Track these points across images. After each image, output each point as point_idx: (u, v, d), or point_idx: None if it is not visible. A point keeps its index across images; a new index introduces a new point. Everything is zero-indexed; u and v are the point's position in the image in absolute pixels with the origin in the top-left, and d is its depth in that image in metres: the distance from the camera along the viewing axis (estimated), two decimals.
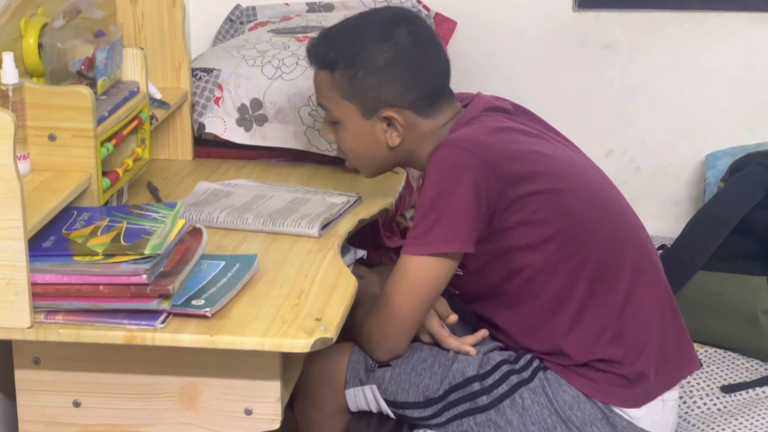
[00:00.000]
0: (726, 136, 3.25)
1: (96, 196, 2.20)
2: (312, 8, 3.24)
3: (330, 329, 1.96)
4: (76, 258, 1.96)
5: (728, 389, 2.58)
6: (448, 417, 2.25)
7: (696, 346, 2.45)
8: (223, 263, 2.12)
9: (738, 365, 2.69)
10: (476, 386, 2.22)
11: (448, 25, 3.17)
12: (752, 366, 2.68)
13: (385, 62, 2.26)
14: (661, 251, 2.76)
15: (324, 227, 2.38)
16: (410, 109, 2.28)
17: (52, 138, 2.16)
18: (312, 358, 2.26)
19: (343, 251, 2.38)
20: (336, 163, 2.76)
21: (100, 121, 2.22)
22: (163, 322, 1.96)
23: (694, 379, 2.60)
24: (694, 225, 2.84)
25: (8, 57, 2.10)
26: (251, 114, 2.77)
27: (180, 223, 2.08)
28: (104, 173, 2.25)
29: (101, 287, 1.95)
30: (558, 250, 2.19)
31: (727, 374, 2.65)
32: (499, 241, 2.18)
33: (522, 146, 2.23)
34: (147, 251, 1.95)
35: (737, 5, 3.20)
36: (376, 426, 2.31)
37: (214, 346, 1.94)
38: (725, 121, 3.28)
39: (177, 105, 2.75)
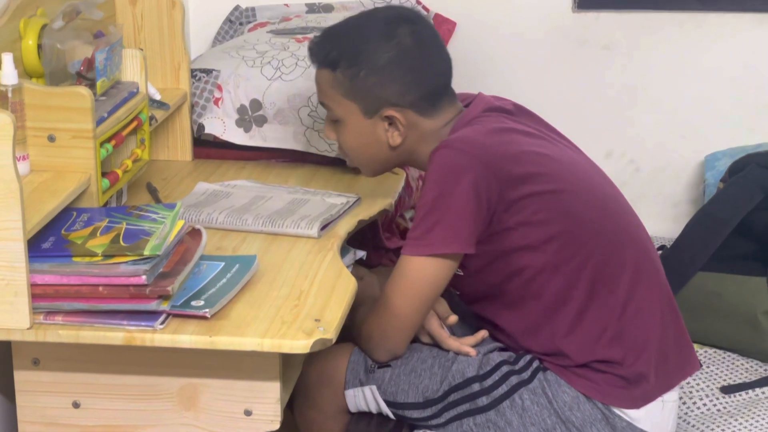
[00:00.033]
0: (725, 137, 3.25)
1: (95, 197, 2.20)
2: (311, 9, 3.24)
3: (329, 330, 1.96)
4: (75, 259, 1.96)
5: (728, 390, 2.58)
6: (447, 418, 2.24)
7: (696, 346, 2.45)
8: (223, 264, 2.12)
9: (737, 366, 2.69)
10: (476, 387, 2.22)
11: (447, 25, 3.17)
12: (752, 367, 2.68)
13: (387, 62, 2.26)
14: (660, 252, 2.76)
15: (323, 228, 2.38)
16: (412, 108, 2.28)
17: (51, 139, 2.16)
18: (311, 358, 2.26)
19: (343, 252, 2.38)
20: (335, 164, 2.76)
21: (100, 122, 2.22)
22: (162, 323, 1.96)
23: (694, 379, 2.60)
24: (693, 226, 2.84)
25: (7, 58, 2.10)
26: (251, 115, 2.77)
27: (179, 223, 2.08)
28: (104, 174, 2.25)
29: (100, 288, 1.95)
30: (558, 250, 2.19)
31: (726, 375, 2.65)
32: (499, 242, 2.18)
33: (522, 147, 2.23)
34: (146, 252, 1.95)
35: (736, 6, 3.20)
36: (375, 427, 2.31)
37: (213, 347, 1.94)
38: (725, 121, 3.28)
39: (176, 106, 2.75)
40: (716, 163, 3.14)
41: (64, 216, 2.09)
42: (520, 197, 2.17)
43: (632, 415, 2.21)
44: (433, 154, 2.19)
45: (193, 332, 1.95)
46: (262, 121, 2.77)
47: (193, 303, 1.99)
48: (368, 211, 2.51)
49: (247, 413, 2.04)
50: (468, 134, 2.23)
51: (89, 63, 2.31)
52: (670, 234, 3.16)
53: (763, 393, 2.58)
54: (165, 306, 1.95)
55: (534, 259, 2.19)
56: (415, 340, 2.31)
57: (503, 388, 2.22)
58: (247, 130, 2.78)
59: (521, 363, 2.24)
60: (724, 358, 2.72)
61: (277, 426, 2.05)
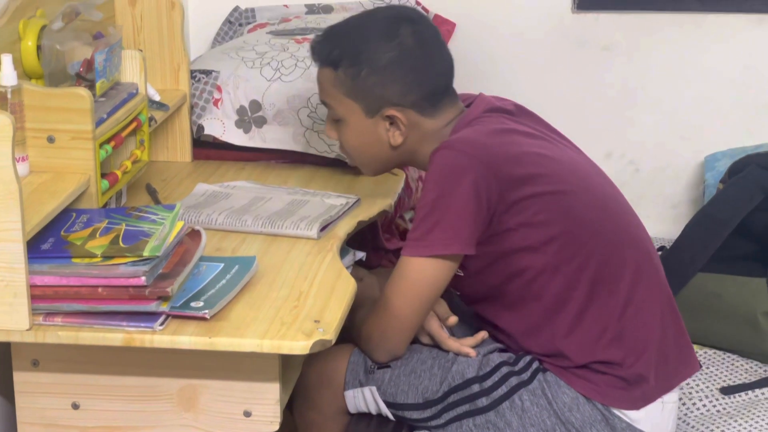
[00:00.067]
0: (725, 138, 3.25)
1: (95, 198, 2.20)
2: (311, 10, 3.24)
3: (329, 331, 1.96)
4: (74, 260, 1.96)
5: (727, 391, 2.58)
6: (447, 418, 2.24)
7: (695, 347, 2.45)
8: (222, 265, 2.12)
9: (737, 367, 2.69)
10: (475, 388, 2.22)
11: (447, 26, 3.17)
12: (751, 367, 2.68)
13: (388, 61, 2.26)
14: (660, 253, 2.76)
15: (323, 229, 2.38)
16: (413, 108, 2.28)
17: (50, 140, 2.16)
18: (311, 359, 2.26)
19: (342, 253, 2.38)
20: (335, 165, 2.76)
21: (99, 123, 2.22)
22: (161, 324, 1.96)
23: (694, 380, 2.60)
24: (693, 226, 2.84)
25: (7, 59, 2.10)
26: (250, 116, 2.77)
27: (179, 224, 2.08)
28: (103, 175, 2.25)
29: (100, 289, 1.95)
30: (559, 251, 2.19)
31: (726, 376, 2.65)
32: (499, 243, 2.18)
33: (523, 148, 2.23)
34: (146, 253, 1.95)
35: (736, 6, 3.21)
36: (375, 427, 2.31)
37: (213, 348, 1.94)
38: (724, 122, 3.28)
39: (176, 107, 2.75)
40: (716, 164, 3.14)
41: (64, 217, 2.09)
42: (520, 198, 2.17)
43: (632, 416, 2.21)
44: (433, 155, 2.19)
45: (193, 333, 1.95)
46: (261, 122, 2.77)
47: (193, 304, 1.99)
48: (368, 212, 2.51)
49: (247, 414, 2.04)
50: (468, 135, 2.23)
51: (89, 64, 2.31)
52: (670, 235, 3.16)
53: (762, 394, 2.58)
54: (164, 307, 1.95)
55: (534, 260, 2.19)
56: (415, 340, 2.31)
57: (503, 389, 2.22)
58: (246, 131, 2.78)
59: (521, 364, 2.24)
60: (723, 358, 2.72)
61: (277, 427, 2.05)
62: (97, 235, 2.02)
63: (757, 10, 3.21)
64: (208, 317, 1.97)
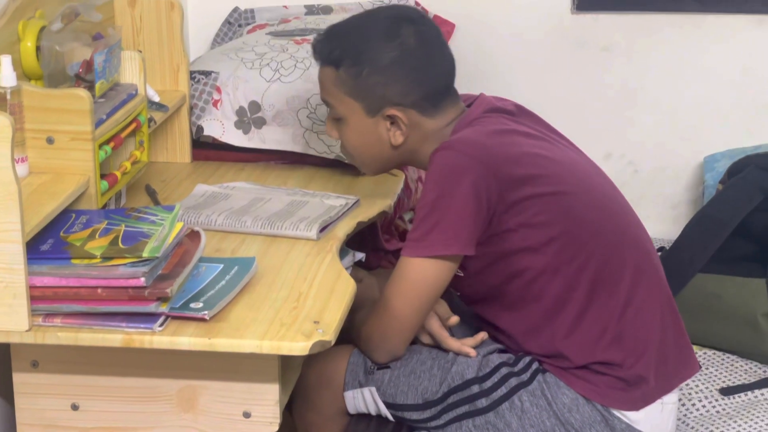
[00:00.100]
0: (724, 138, 3.26)
1: (94, 199, 2.20)
2: (310, 11, 3.24)
3: (328, 332, 1.96)
4: (74, 261, 1.96)
5: (727, 391, 2.58)
6: (446, 419, 2.24)
7: (695, 348, 2.45)
8: (222, 266, 2.12)
9: (737, 367, 2.69)
10: (475, 389, 2.22)
11: (446, 27, 3.17)
12: (751, 368, 2.68)
13: (390, 61, 2.26)
14: (659, 253, 2.76)
15: (322, 230, 2.38)
16: (414, 108, 2.28)
17: (50, 141, 2.16)
18: (311, 360, 2.26)
19: (342, 254, 2.38)
20: (334, 165, 2.76)
21: (99, 123, 2.22)
22: (161, 325, 1.96)
23: (693, 381, 2.60)
24: (693, 227, 2.85)
25: (6, 60, 2.10)
26: (249, 117, 2.77)
27: (178, 225, 2.08)
28: (102, 176, 2.25)
29: (99, 290, 1.95)
30: (559, 252, 2.19)
31: (726, 376, 2.65)
32: (499, 244, 2.18)
33: (523, 149, 2.23)
34: (145, 254, 1.95)
35: (735, 7, 3.21)
36: (374, 428, 2.31)
37: (212, 349, 1.94)
38: (724, 123, 3.28)
39: (175, 108, 2.75)
40: (715, 165, 3.14)
41: (63, 218, 2.09)
42: (520, 199, 2.17)
43: (632, 417, 2.21)
44: (433, 155, 2.19)
45: (192, 334, 1.95)
46: (261, 122, 2.77)
47: (192, 305, 1.99)
48: (367, 212, 2.51)
49: (246, 415, 2.04)
50: (468, 135, 2.23)
51: (88, 65, 2.31)
52: (670, 235, 3.16)
53: (762, 394, 2.58)
54: (164, 308, 1.95)
55: (534, 261, 2.19)
56: (415, 341, 2.31)
57: (502, 390, 2.22)
58: (246, 131, 2.78)
59: (521, 365, 2.24)
60: (723, 359, 2.72)
61: (276, 428, 2.05)
62: (97, 236, 2.02)
63: (756, 10, 3.21)
64: (208, 318, 1.97)
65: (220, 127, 2.79)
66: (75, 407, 2.08)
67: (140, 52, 2.51)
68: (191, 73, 2.83)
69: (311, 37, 2.87)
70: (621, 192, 2.37)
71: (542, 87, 3.28)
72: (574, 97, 3.31)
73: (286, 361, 2.07)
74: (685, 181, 3.35)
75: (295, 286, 2.14)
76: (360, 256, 2.50)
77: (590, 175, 2.31)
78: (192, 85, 2.82)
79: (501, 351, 2.29)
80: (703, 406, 2.54)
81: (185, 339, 1.94)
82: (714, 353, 2.74)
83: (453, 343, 2.27)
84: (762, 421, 2.47)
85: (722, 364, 2.70)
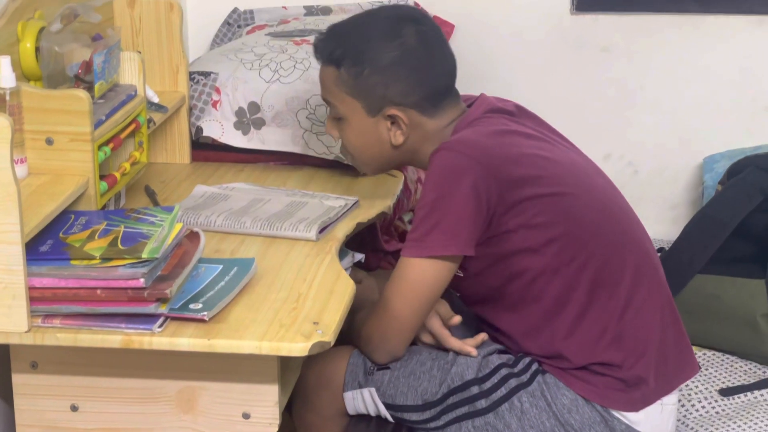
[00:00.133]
0: (724, 139, 3.26)
1: (93, 200, 2.19)
2: (310, 12, 3.24)
3: (328, 333, 1.96)
4: (73, 262, 1.96)
5: (727, 392, 2.58)
6: (446, 420, 2.24)
7: (694, 349, 2.45)
8: (221, 267, 2.12)
9: (736, 368, 2.68)
10: (475, 390, 2.22)
11: (446, 28, 3.17)
12: (750, 369, 2.68)
13: (391, 61, 2.26)
14: (659, 254, 2.76)
15: (322, 231, 2.38)
16: (415, 108, 2.28)
17: (49, 142, 2.16)
18: (310, 361, 2.26)
19: (341, 255, 2.38)
20: (334, 166, 2.76)
21: (98, 124, 2.22)
22: (160, 326, 1.96)
23: (693, 382, 2.60)
24: (692, 228, 2.85)
25: (5, 61, 2.10)
26: (249, 117, 2.77)
27: (177, 226, 2.08)
28: (102, 177, 2.25)
29: (99, 291, 1.95)
30: (559, 253, 2.18)
31: (725, 377, 2.65)
32: (499, 245, 2.18)
33: (523, 150, 2.23)
34: (144, 255, 1.95)
35: (735, 8, 3.21)
36: (374, 429, 2.31)
37: (211, 350, 1.94)
38: (723, 123, 3.28)
39: (174, 108, 2.75)
40: (715, 165, 3.14)
41: (62, 219, 2.09)
42: (520, 200, 2.17)
43: (631, 418, 2.21)
44: (432, 156, 2.19)
45: (192, 335, 1.95)
46: (260, 123, 2.77)
47: (192, 306, 1.98)
48: (367, 213, 2.51)
49: (246, 416, 2.04)
50: (468, 136, 2.23)
51: (87, 66, 2.31)
52: (669, 236, 3.16)
53: (761, 395, 2.58)
54: (163, 309, 1.95)
55: (534, 262, 2.19)
56: (415, 341, 2.31)
57: (502, 391, 2.21)
58: (245, 132, 2.78)
59: (520, 366, 2.23)
60: (723, 360, 2.72)
61: (276, 429, 2.05)
62: (96, 237, 2.02)
63: (755, 11, 3.21)
64: (207, 319, 1.97)
65: (220, 128, 2.79)
66: (74, 408, 2.08)
67: (139, 53, 2.51)
68: (190, 74, 2.83)
69: (310, 38, 2.87)
70: (621, 193, 2.37)
71: (542, 88, 3.28)
72: (574, 97, 3.32)
73: (285, 361, 2.07)
74: (684, 181, 3.35)
75: (295, 287, 2.14)
76: (359, 257, 2.50)
77: (590, 175, 2.31)
78: (191, 86, 2.82)
79: (501, 352, 2.29)
80: (703, 407, 2.54)
81: (184, 340, 1.94)
82: (713, 354, 2.74)
83: (455, 343, 2.27)
84: (761, 421, 2.47)
85: (722, 364, 2.70)
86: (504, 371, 2.23)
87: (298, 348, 1.93)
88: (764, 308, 2.69)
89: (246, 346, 1.94)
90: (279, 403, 2.04)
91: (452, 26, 3.21)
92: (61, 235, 2.04)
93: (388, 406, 2.27)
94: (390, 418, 2.29)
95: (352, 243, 2.52)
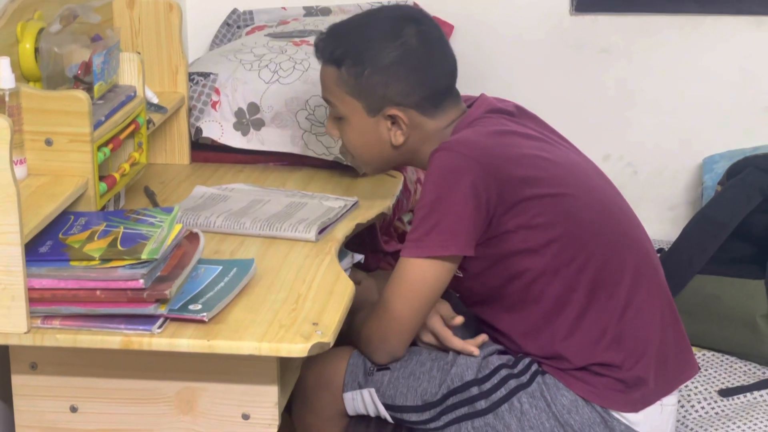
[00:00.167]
0: (723, 140, 3.26)
1: (93, 201, 2.19)
2: (309, 12, 3.24)
3: (327, 334, 1.95)
4: (72, 263, 1.96)
5: (726, 393, 2.58)
6: (446, 421, 2.24)
7: (694, 349, 2.45)
8: (220, 268, 2.12)
9: (736, 369, 2.68)
10: (474, 390, 2.22)
11: (445, 28, 3.17)
12: (750, 370, 2.68)
13: (391, 61, 2.26)
14: (658, 255, 2.76)
15: (321, 231, 2.38)
16: (415, 108, 2.28)
17: (48, 143, 2.16)
18: (310, 362, 2.26)
19: (341, 255, 2.38)
20: (333, 167, 2.76)
21: (97, 125, 2.22)
22: (160, 326, 1.96)
23: (692, 382, 2.60)
24: (692, 228, 2.85)
25: (5, 62, 2.10)
26: (248, 118, 2.77)
27: (177, 227, 2.08)
28: (101, 178, 2.25)
29: (98, 292, 1.95)
30: (559, 253, 2.18)
31: (725, 378, 2.65)
32: (499, 245, 2.18)
33: (523, 150, 2.23)
34: (144, 256, 1.95)
35: (734, 8, 3.21)
36: (374, 430, 2.31)
37: (211, 350, 1.94)
38: (723, 124, 3.28)
39: (174, 109, 2.75)
40: (714, 166, 3.14)
41: (62, 220, 2.09)
42: (520, 200, 2.17)
43: (631, 418, 2.21)
44: (432, 156, 2.19)
45: (191, 336, 1.95)
46: (259, 124, 2.77)
47: (191, 307, 1.98)
48: (366, 214, 2.51)
49: (245, 417, 2.04)
50: (468, 136, 2.23)
51: (86, 67, 2.31)
52: (668, 237, 3.16)
53: (761, 396, 2.58)
54: (162, 310, 1.95)
55: (534, 263, 2.19)
56: (415, 342, 2.31)
57: (502, 392, 2.21)
58: (244, 133, 2.78)
59: (520, 366, 2.23)
60: (722, 361, 2.72)
61: (275, 430, 2.04)
62: (95, 238, 2.02)
63: (755, 12, 3.21)
64: (207, 320, 1.96)
65: (219, 129, 2.79)
66: (74, 409, 2.07)
67: (139, 53, 2.51)
68: (190, 74, 2.83)
69: (310, 39, 2.88)
70: (621, 193, 2.37)
71: (541, 88, 3.28)
72: (573, 98, 3.32)
73: (285, 362, 2.07)
74: (684, 182, 3.35)
75: (294, 287, 2.13)
76: (359, 257, 2.50)
77: (590, 176, 2.31)
78: (191, 86, 2.82)
79: (500, 352, 2.29)
80: (702, 408, 2.54)
81: (184, 341, 1.94)
82: (713, 355, 2.74)
83: (457, 342, 2.27)
84: (761, 422, 2.47)
85: (721, 365, 2.70)
86: (504, 372, 2.23)
87: (298, 349, 1.93)
88: (764, 309, 2.69)
89: (245, 347, 1.94)
90: (278, 404, 2.04)
91: (452, 27, 3.21)
92: (60, 236, 2.04)
93: (387, 407, 2.27)
94: (390, 419, 2.29)
95: (351, 244, 2.52)
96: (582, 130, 3.08)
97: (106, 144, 2.26)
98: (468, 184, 2.13)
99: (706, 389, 2.59)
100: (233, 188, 2.61)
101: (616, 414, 2.21)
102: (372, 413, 2.31)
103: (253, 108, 2.76)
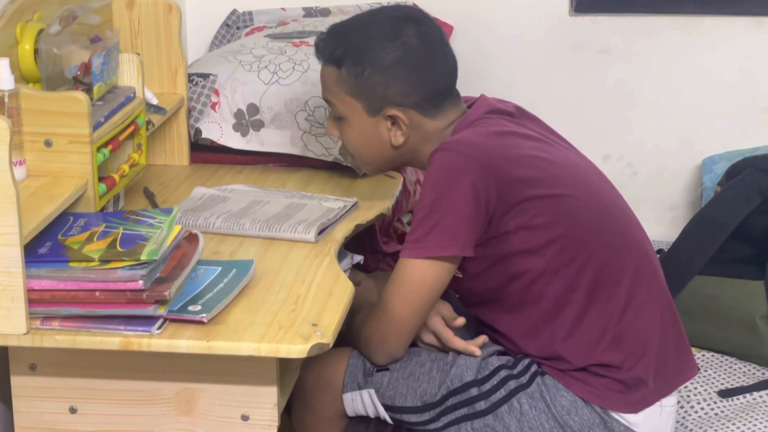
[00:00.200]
0: (723, 140, 3.26)
1: (92, 202, 2.19)
2: (309, 13, 3.24)
3: (327, 335, 1.95)
4: (72, 264, 1.96)
5: (726, 394, 2.58)
6: (445, 422, 2.24)
7: (693, 350, 2.45)
8: (220, 269, 2.12)
9: (735, 370, 2.68)
10: (474, 391, 2.22)
11: (444, 29, 3.16)
12: (749, 370, 2.68)
13: (392, 61, 2.26)
14: (658, 256, 2.76)
15: (320, 232, 2.38)
16: (415, 109, 2.28)
17: (48, 144, 2.16)
18: (309, 363, 2.26)
19: (340, 256, 2.38)
20: (332, 168, 2.76)
21: (97, 126, 2.22)
22: (159, 328, 1.96)
23: (692, 383, 2.60)
24: (691, 229, 2.85)
25: (4, 63, 2.10)
26: (248, 119, 2.77)
27: (176, 228, 2.08)
28: (100, 179, 2.25)
29: (97, 293, 1.95)
30: (558, 254, 2.18)
31: (724, 379, 2.65)
32: (499, 246, 2.18)
33: (523, 151, 2.23)
34: (143, 257, 1.95)
35: (733, 9, 3.21)
36: (373, 431, 2.31)
37: (210, 351, 1.94)
38: (722, 125, 3.29)
39: (173, 110, 2.75)
40: (714, 167, 3.14)
41: (61, 221, 2.09)
42: (519, 200, 2.17)
43: (630, 419, 2.21)
44: (431, 157, 2.19)
45: (190, 337, 1.95)
46: (259, 125, 2.77)
47: (190, 308, 1.98)
48: (366, 215, 2.51)
49: (245, 418, 2.04)
50: (468, 137, 2.23)
51: (86, 68, 2.31)
52: (668, 237, 3.16)
53: (760, 397, 2.58)
54: (162, 311, 1.95)
55: (534, 263, 2.19)
56: (415, 343, 2.31)
57: (501, 393, 2.21)
58: (244, 134, 2.78)
59: (519, 367, 2.23)
60: (721, 362, 2.72)
61: (275, 431, 2.04)
62: (95, 239, 2.02)
63: (754, 12, 3.21)
64: (206, 321, 1.96)
65: (218, 130, 2.79)
66: (73, 410, 2.07)
67: (138, 54, 2.51)
68: (189, 75, 2.83)
69: (309, 40, 2.88)
70: (620, 194, 2.37)
71: (541, 89, 3.29)
72: (573, 98, 3.32)
73: (284, 363, 2.07)
74: (683, 183, 3.35)
75: (294, 288, 2.13)
76: (358, 258, 2.50)
77: (590, 177, 2.31)
78: (190, 87, 2.82)
79: (500, 353, 2.29)
80: (702, 409, 2.54)
81: (183, 342, 1.94)
82: (712, 355, 2.74)
83: (459, 343, 2.27)
84: (760, 423, 2.47)
85: (721, 366, 2.70)
86: (503, 373, 2.23)
87: (297, 350, 1.93)
88: (763, 309, 2.69)
89: (245, 347, 1.94)
90: (278, 405, 2.04)
91: (451, 28, 3.21)
92: (59, 237, 2.04)
93: (387, 408, 2.27)
94: (389, 420, 2.29)
95: (351, 244, 2.52)
96: (582, 130, 3.08)
97: (105, 145, 2.26)
98: (468, 184, 2.13)
99: (705, 390, 2.59)
100: (233, 189, 2.61)
101: (615, 415, 2.21)
102: (371, 414, 2.31)
103: (253, 109, 2.76)
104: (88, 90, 2.26)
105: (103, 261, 1.95)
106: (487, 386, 2.22)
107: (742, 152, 3.09)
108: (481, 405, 2.22)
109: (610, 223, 2.26)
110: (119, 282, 1.93)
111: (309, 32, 2.97)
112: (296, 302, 2.07)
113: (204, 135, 2.80)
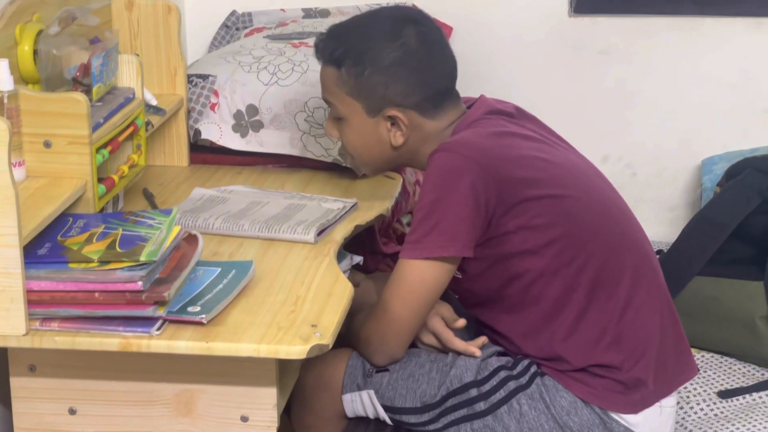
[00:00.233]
0: (722, 141, 3.26)
1: (91, 203, 2.19)
2: (308, 14, 3.24)
3: (326, 336, 1.95)
4: (71, 265, 1.96)
5: (725, 395, 2.58)
6: (445, 423, 2.24)
7: (693, 351, 2.45)
8: (219, 270, 2.12)
9: (735, 370, 2.68)
10: (474, 392, 2.22)
11: (444, 30, 3.16)
12: (749, 371, 2.68)
13: (391, 62, 2.26)
14: (657, 256, 2.76)
15: (320, 233, 2.38)
16: (415, 109, 2.28)
17: (47, 145, 2.16)
18: (309, 364, 2.26)
19: (340, 257, 2.38)
20: (332, 169, 2.76)
21: (96, 127, 2.22)
22: (158, 329, 1.96)
23: (691, 384, 2.60)
24: (691, 230, 2.85)
25: (3, 64, 2.10)
26: (247, 120, 2.77)
27: (176, 229, 2.08)
28: (100, 180, 2.25)
29: (97, 294, 1.95)
30: (558, 254, 2.18)
31: (724, 379, 2.65)
32: (498, 246, 2.18)
33: (523, 151, 2.23)
34: (142, 258, 1.95)
35: (733, 10, 3.21)
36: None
37: (210, 352, 1.94)
38: (722, 125, 3.29)
39: (173, 111, 2.75)
40: (713, 167, 3.14)
41: (60, 222, 2.09)
42: (519, 201, 2.17)
43: (630, 420, 2.21)
44: (431, 157, 2.19)
45: (190, 338, 1.95)
46: (258, 126, 2.77)
47: (190, 309, 1.98)
48: (365, 216, 2.51)
49: (244, 419, 2.04)
50: (467, 137, 2.23)
51: (85, 69, 2.31)
52: (667, 238, 3.16)
53: (760, 398, 2.58)
54: (161, 312, 1.95)
55: (534, 264, 2.19)
56: (414, 344, 2.31)
57: (501, 393, 2.21)
58: (243, 135, 2.78)
59: (519, 368, 2.23)
60: (721, 362, 2.72)
61: None
62: (94, 240, 2.02)
63: (754, 13, 3.21)
64: (205, 322, 1.96)
65: (218, 131, 2.79)
66: (72, 411, 2.07)
67: (137, 55, 2.51)
68: (189, 76, 2.83)
69: (309, 41, 2.88)
70: (620, 194, 2.37)
71: (540, 89, 3.29)
72: (572, 99, 3.32)
73: (283, 364, 2.07)
74: (682, 183, 3.35)
75: (293, 289, 2.13)
76: (358, 259, 2.50)
77: (590, 177, 2.31)
78: (189, 88, 2.82)
79: (500, 354, 2.29)
80: (701, 410, 2.54)
81: (183, 343, 1.94)
82: (712, 356, 2.74)
83: (459, 343, 2.27)
84: (760, 424, 2.47)
85: (720, 367, 2.70)
86: (503, 374, 2.22)
87: (297, 351, 1.93)
88: (763, 310, 2.69)
89: (244, 348, 1.93)
90: (277, 406, 2.04)
91: (451, 28, 3.21)
92: (59, 238, 2.04)
93: (386, 409, 2.27)
94: (389, 421, 2.29)
95: (350, 245, 2.52)
96: (581, 131, 3.09)
97: (104, 146, 2.26)
98: (467, 185, 2.13)
99: (705, 391, 2.59)
100: (232, 190, 2.61)
101: (615, 415, 2.21)
102: (371, 415, 2.31)
103: (252, 110, 2.76)
104: (88, 91, 2.26)
105: (103, 262, 1.95)
106: (487, 387, 2.22)
107: (742, 153, 3.09)
108: (481, 406, 2.22)
109: (610, 223, 2.26)
110: (118, 283, 1.93)
111: (308, 33, 2.97)
112: (296, 303, 2.07)
113: (203, 136, 2.80)
